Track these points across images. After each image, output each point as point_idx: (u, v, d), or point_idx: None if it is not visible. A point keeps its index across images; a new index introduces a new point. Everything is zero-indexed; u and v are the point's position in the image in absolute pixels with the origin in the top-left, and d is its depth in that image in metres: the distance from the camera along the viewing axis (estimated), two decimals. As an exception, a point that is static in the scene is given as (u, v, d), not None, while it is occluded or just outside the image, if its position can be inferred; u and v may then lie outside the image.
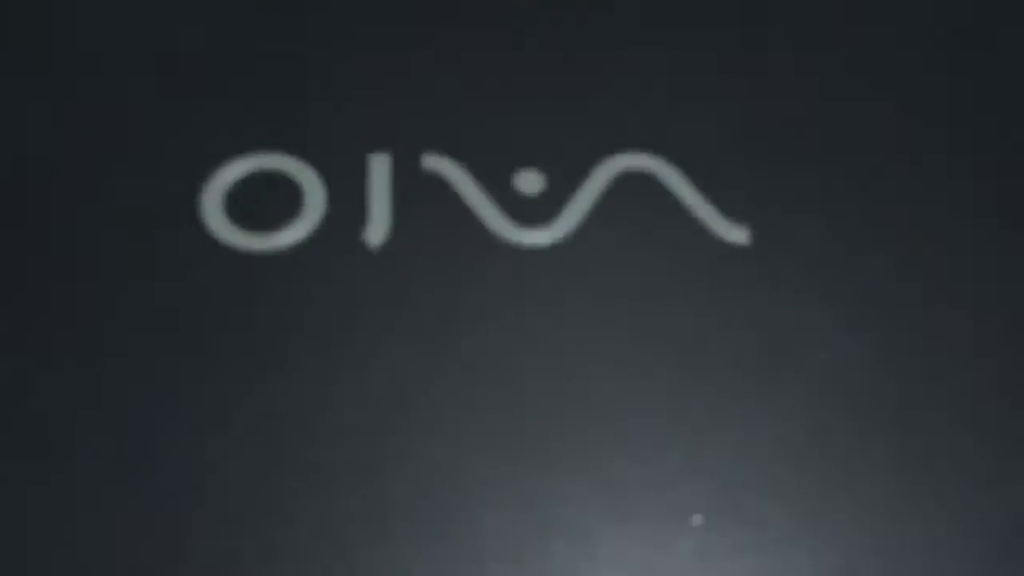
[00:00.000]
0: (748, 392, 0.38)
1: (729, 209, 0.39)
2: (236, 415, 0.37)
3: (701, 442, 0.37)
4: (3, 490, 0.36)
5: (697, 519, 0.36)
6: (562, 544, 0.36)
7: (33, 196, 0.39)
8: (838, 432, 0.37)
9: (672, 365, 0.38)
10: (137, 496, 0.36)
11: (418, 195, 0.39)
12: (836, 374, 0.38)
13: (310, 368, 0.37)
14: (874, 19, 0.41)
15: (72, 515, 0.36)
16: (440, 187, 0.39)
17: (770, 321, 0.38)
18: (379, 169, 0.39)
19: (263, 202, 0.39)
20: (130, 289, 0.38)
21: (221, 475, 0.37)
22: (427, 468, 0.37)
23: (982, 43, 0.41)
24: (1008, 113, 0.40)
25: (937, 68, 0.41)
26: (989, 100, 0.40)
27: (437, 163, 0.39)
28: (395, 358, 0.38)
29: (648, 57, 0.40)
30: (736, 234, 0.39)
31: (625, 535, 0.37)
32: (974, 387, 0.38)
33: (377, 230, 0.39)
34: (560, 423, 0.37)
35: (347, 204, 0.39)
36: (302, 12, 0.40)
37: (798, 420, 0.38)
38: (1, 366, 0.37)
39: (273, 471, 0.37)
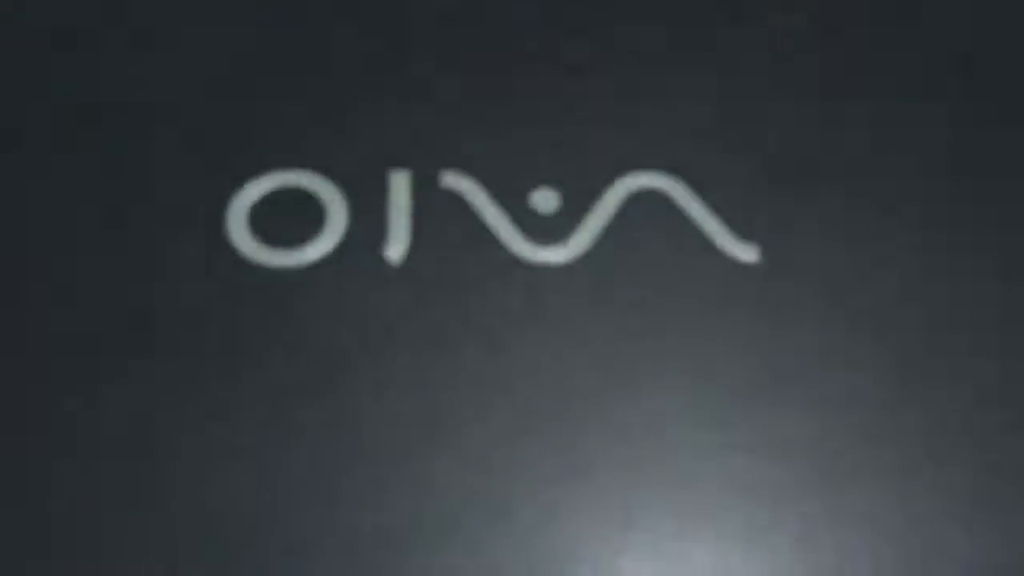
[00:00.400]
0: (763, 406, 0.38)
1: (741, 227, 0.40)
2: (259, 427, 0.38)
3: (716, 456, 0.38)
4: (4, 490, 0.37)
5: None
6: (582, 566, 0.37)
7: (60, 214, 0.39)
8: (852, 447, 0.38)
9: (686, 380, 0.38)
10: (148, 523, 0.37)
11: (437, 212, 0.40)
12: (850, 390, 0.38)
13: (330, 382, 0.38)
14: (881, 44, 0.41)
15: (72, 520, 0.37)
16: (458, 204, 0.40)
17: (783, 336, 0.39)
18: (399, 186, 0.40)
19: (286, 219, 0.39)
20: (156, 304, 0.38)
21: (237, 486, 0.37)
22: (443, 482, 0.37)
23: (988, 67, 0.41)
24: (1016, 130, 0.41)
25: (946, 88, 0.41)
26: (997, 118, 0.41)
27: (455, 181, 0.40)
28: (413, 372, 0.38)
29: (661, 77, 0.41)
30: (748, 252, 0.40)
31: (641, 551, 0.37)
32: (994, 408, 0.38)
33: (397, 247, 0.39)
34: (574, 437, 0.38)
35: (368, 220, 0.39)
36: (326, 32, 0.41)
37: (815, 433, 0.38)
38: (27, 380, 0.38)
39: (294, 485, 0.37)
